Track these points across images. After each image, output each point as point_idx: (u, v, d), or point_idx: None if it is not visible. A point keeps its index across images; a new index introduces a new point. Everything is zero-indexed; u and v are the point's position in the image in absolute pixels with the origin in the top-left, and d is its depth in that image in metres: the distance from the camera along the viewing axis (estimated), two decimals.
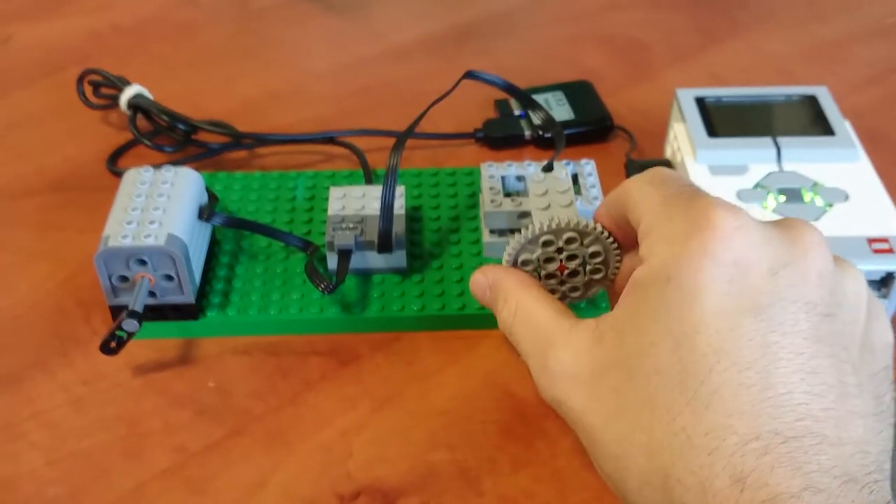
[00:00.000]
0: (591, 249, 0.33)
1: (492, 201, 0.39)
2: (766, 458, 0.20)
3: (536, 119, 0.48)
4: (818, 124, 0.39)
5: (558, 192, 0.37)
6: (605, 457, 0.24)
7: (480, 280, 0.31)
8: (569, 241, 0.33)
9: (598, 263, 0.33)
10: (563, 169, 0.38)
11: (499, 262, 0.38)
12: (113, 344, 0.34)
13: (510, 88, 0.41)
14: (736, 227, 0.23)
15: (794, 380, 0.21)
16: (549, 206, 0.36)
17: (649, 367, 0.23)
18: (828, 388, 0.22)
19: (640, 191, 0.26)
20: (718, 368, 0.22)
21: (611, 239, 0.33)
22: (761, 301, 0.22)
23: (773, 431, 0.21)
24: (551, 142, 0.48)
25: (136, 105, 0.47)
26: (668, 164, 0.40)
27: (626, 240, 0.29)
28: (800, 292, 0.22)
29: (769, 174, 0.37)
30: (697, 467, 0.21)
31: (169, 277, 0.35)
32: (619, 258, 0.33)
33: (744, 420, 0.21)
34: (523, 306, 0.28)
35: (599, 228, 0.31)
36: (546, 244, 0.34)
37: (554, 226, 0.32)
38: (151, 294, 0.36)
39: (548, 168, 0.38)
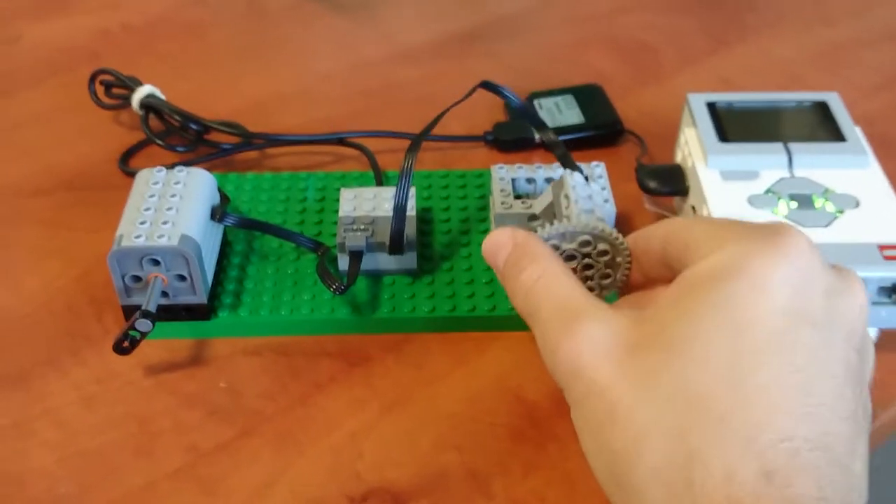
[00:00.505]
0: (599, 248, 0.33)
1: (502, 203, 0.39)
2: (796, 461, 0.21)
3: (546, 119, 0.48)
4: (829, 130, 0.39)
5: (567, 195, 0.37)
6: (622, 433, 0.23)
7: (503, 237, 0.29)
8: (581, 243, 0.33)
9: (607, 264, 0.33)
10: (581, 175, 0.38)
11: None
12: (126, 343, 0.34)
13: (523, 111, 0.40)
14: (807, 242, 0.24)
15: (829, 398, 0.22)
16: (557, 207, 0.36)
17: (697, 354, 0.23)
18: (850, 416, 0.23)
19: (694, 218, 0.28)
20: (772, 364, 0.22)
21: (620, 240, 0.33)
22: (817, 317, 0.23)
23: (805, 437, 0.21)
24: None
25: (149, 105, 0.47)
26: (679, 169, 0.40)
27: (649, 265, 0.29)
28: (846, 323, 0.24)
29: (780, 180, 0.37)
30: (728, 454, 0.21)
31: (181, 278, 0.36)
32: (629, 262, 0.33)
33: (783, 419, 0.22)
34: (552, 271, 0.28)
35: (608, 230, 0.31)
36: (554, 247, 0.34)
37: (559, 227, 0.32)
38: (164, 294, 0.36)
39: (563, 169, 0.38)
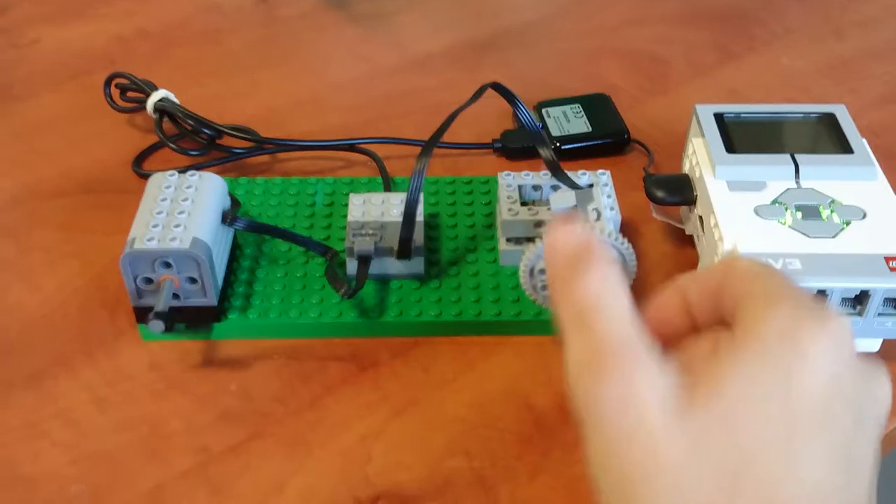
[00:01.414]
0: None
1: (509, 210, 0.40)
2: None
3: (554, 128, 0.49)
4: (836, 142, 0.40)
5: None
6: (663, 477, 0.23)
7: (581, 230, 0.27)
8: None
9: None
10: (579, 179, 0.39)
11: (515, 269, 0.39)
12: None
13: (528, 126, 0.40)
14: (850, 326, 0.25)
15: (863, 480, 0.24)
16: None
17: (752, 425, 0.23)
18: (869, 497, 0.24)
19: (754, 262, 0.27)
20: (816, 437, 0.23)
21: (627, 245, 0.33)
22: (854, 398, 0.24)
23: None
24: (568, 153, 0.48)
25: (163, 109, 0.48)
26: (686, 179, 0.40)
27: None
28: (875, 424, 0.25)
29: (787, 191, 0.37)
30: None
31: (192, 280, 0.36)
32: (635, 266, 0.33)
33: (823, 493, 0.23)
34: (621, 294, 0.26)
35: (615, 234, 0.32)
36: None
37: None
38: (175, 296, 0.36)
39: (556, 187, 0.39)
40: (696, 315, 0.27)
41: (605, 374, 0.24)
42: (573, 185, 0.39)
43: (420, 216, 0.39)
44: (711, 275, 0.27)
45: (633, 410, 0.24)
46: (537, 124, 0.49)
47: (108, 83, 0.50)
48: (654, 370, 0.24)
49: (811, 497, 0.22)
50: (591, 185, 0.40)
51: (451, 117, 0.39)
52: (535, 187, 0.41)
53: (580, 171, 0.42)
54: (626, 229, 0.43)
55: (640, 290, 0.38)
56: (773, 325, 0.24)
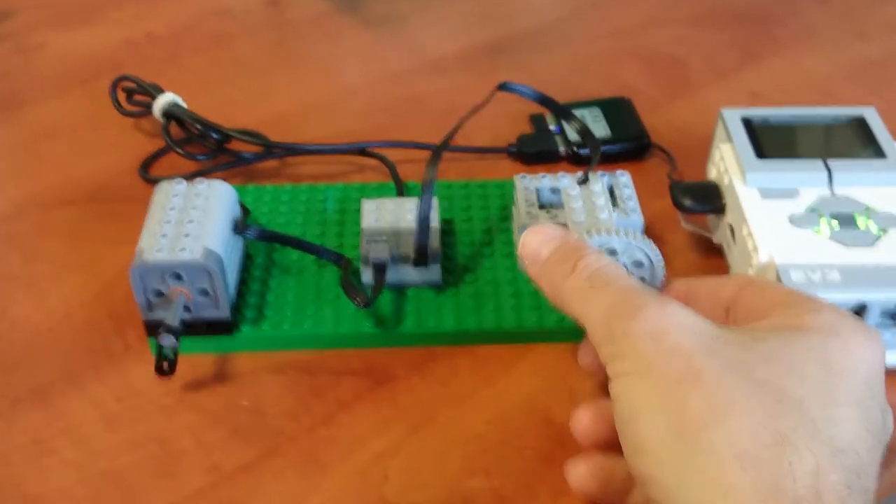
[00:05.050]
0: (635, 259, 0.32)
1: (528, 213, 0.38)
2: (867, 496, 0.23)
3: (571, 133, 0.48)
4: (868, 146, 0.38)
5: (595, 204, 0.36)
6: (704, 395, 0.24)
7: (554, 231, 0.30)
8: (610, 252, 0.33)
9: (642, 272, 0.32)
10: (598, 180, 0.37)
11: None
12: (165, 365, 0.34)
13: (543, 99, 0.41)
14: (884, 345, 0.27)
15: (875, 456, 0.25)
16: (585, 218, 0.35)
17: (793, 368, 0.25)
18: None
19: (774, 282, 0.30)
20: (852, 408, 0.24)
21: (653, 247, 0.32)
22: (881, 409, 0.26)
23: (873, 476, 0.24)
24: (586, 158, 0.47)
25: (170, 113, 0.47)
26: (714, 186, 0.39)
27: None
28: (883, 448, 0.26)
29: (820, 198, 0.36)
30: (818, 453, 0.23)
31: (204, 292, 0.35)
32: (664, 270, 0.32)
33: (859, 450, 0.24)
34: (615, 264, 0.29)
35: (641, 238, 0.31)
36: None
37: (592, 238, 0.31)
38: (186, 309, 0.35)
39: (583, 180, 0.38)
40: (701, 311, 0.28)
41: (639, 309, 0.26)
42: (586, 131, 0.38)
43: (436, 222, 0.37)
44: (724, 284, 0.29)
45: (669, 334, 0.25)
46: (555, 127, 0.48)
47: (114, 86, 0.49)
48: (683, 308, 0.26)
49: (851, 449, 0.23)
50: (585, 180, 0.38)
51: (461, 122, 0.38)
52: (554, 190, 0.40)
53: (599, 173, 0.40)
54: (650, 237, 0.42)
55: None
56: (818, 318, 0.26)
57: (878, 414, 0.25)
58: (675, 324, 0.25)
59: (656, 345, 0.25)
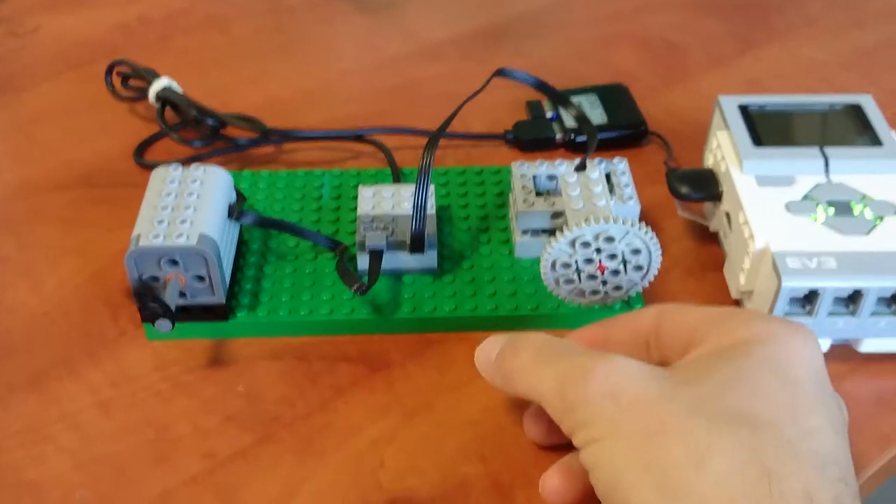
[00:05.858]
0: (633, 247, 0.32)
1: (524, 201, 0.38)
2: (855, 501, 0.24)
3: (568, 119, 0.47)
4: (864, 134, 0.38)
5: (592, 191, 0.36)
6: (680, 445, 0.24)
7: (496, 338, 0.31)
8: (608, 239, 0.33)
9: (640, 260, 0.32)
10: (595, 167, 0.37)
11: (531, 262, 0.38)
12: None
13: (540, 86, 0.41)
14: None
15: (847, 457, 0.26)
16: (583, 205, 0.35)
17: (755, 389, 0.25)
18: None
19: (689, 305, 0.30)
20: (821, 414, 0.25)
21: (651, 234, 0.32)
22: (832, 395, 0.26)
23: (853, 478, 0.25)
24: (582, 145, 0.47)
25: (165, 97, 0.46)
26: (711, 174, 0.39)
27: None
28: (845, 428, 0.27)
29: (817, 185, 0.36)
30: (804, 477, 0.23)
31: (200, 278, 0.35)
32: (660, 257, 0.32)
33: (839, 459, 0.24)
34: (551, 339, 0.29)
35: (639, 224, 0.31)
36: (584, 245, 0.33)
37: (590, 226, 0.31)
38: (181, 294, 0.35)
39: (580, 167, 0.37)
40: (617, 348, 0.29)
41: (587, 372, 0.26)
42: (583, 118, 0.38)
43: (432, 208, 0.37)
44: (639, 318, 0.30)
45: (625, 389, 0.25)
46: (552, 114, 0.48)
47: (109, 71, 0.49)
48: (630, 361, 0.26)
49: (833, 460, 0.24)
50: (582, 167, 0.38)
51: (458, 108, 0.38)
52: (551, 177, 0.40)
53: (596, 160, 0.40)
54: (646, 224, 0.42)
55: (660, 286, 0.38)
56: (752, 329, 0.26)
57: (836, 409, 0.26)
58: (625, 377, 0.25)
59: (615, 403, 0.25)
